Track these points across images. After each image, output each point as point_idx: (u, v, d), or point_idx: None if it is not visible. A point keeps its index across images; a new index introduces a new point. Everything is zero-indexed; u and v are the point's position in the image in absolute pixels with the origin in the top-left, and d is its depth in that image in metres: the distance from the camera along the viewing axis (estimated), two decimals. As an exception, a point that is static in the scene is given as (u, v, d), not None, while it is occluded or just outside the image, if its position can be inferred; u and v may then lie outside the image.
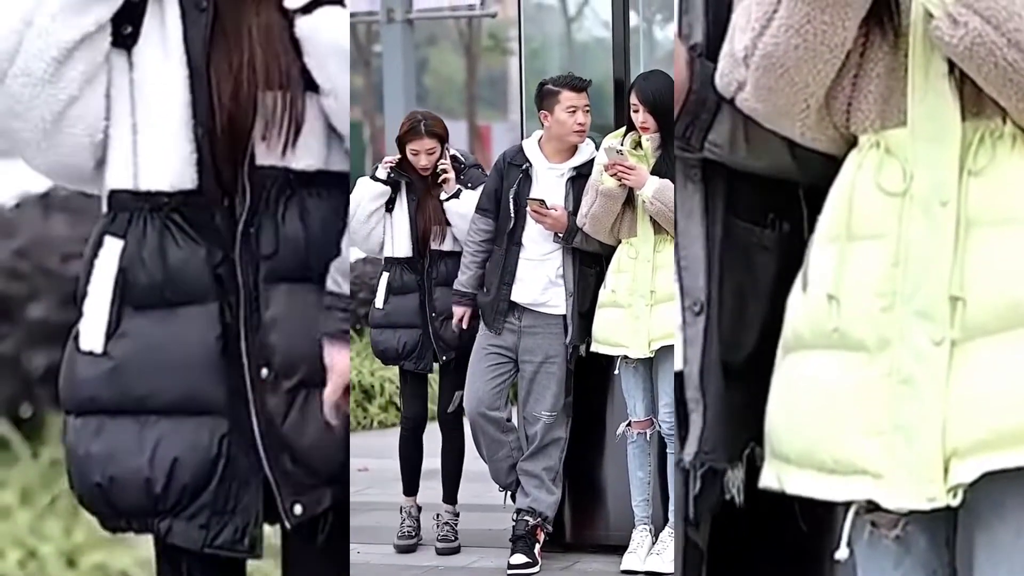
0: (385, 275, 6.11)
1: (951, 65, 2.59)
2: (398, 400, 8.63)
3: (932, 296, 2.56)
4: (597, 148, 5.75)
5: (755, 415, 2.77)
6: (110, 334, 2.96)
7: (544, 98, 5.76)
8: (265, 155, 2.98)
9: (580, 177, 5.75)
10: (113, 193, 3.02)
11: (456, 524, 6.18)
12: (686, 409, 2.88)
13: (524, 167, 5.81)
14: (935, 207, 2.58)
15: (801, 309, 2.72)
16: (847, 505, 2.66)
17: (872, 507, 2.63)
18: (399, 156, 6.05)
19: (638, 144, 5.59)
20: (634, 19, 6.17)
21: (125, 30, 2.94)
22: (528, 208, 5.68)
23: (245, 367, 2.96)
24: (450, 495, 6.23)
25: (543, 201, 5.66)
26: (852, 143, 2.74)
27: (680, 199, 2.91)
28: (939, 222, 2.57)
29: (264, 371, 2.97)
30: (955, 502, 2.52)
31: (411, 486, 6.24)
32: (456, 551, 6.11)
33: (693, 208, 2.88)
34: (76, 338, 3.01)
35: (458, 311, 5.93)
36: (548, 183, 5.78)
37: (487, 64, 24.20)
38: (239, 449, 2.96)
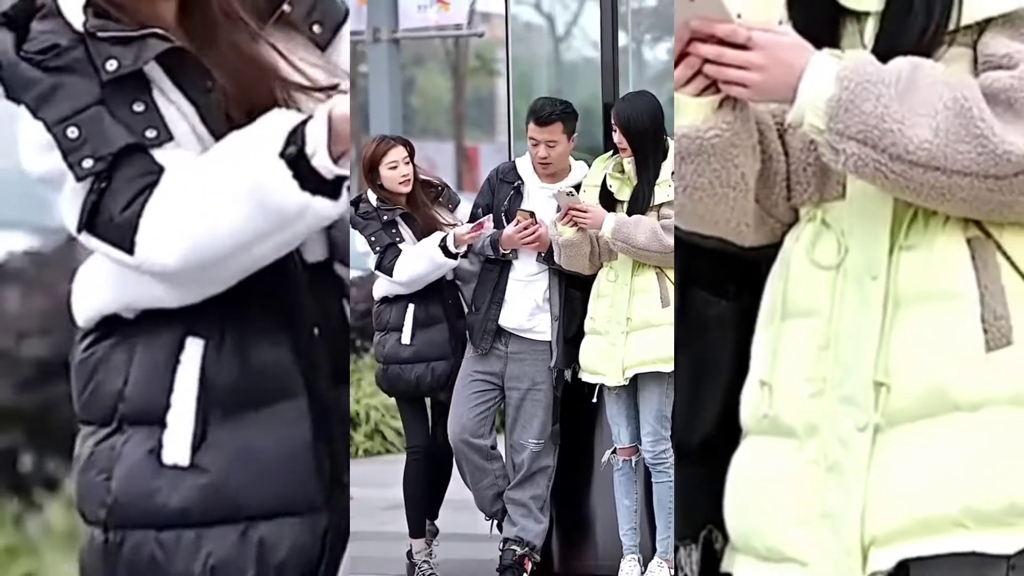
0: (410, 308, 5.97)
1: None
2: (384, 429, 8.56)
3: (859, 381, 2.56)
4: (590, 167, 5.77)
5: (711, 497, 2.76)
6: (196, 445, 2.82)
7: (526, 122, 5.76)
8: None
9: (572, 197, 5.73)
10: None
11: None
12: None
13: (516, 184, 5.81)
14: (866, 281, 2.56)
15: (745, 393, 2.74)
16: None
17: None
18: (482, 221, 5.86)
19: (622, 168, 5.59)
20: (623, 39, 6.24)
21: (150, 134, 2.78)
22: (516, 218, 5.65)
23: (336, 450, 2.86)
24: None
25: (533, 214, 5.64)
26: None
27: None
28: (869, 298, 2.56)
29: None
30: None
31: (420, 527, 6.12)
32: None
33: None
34: (154, 451, 2.83)
35: (517, 226, 5.66)
36: (539, 202, 5.77)
37: (474, 84, 24.17)
38: (338, 541, 2.85)
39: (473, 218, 5.87)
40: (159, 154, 2.74)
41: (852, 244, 2.59)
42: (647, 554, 5.68)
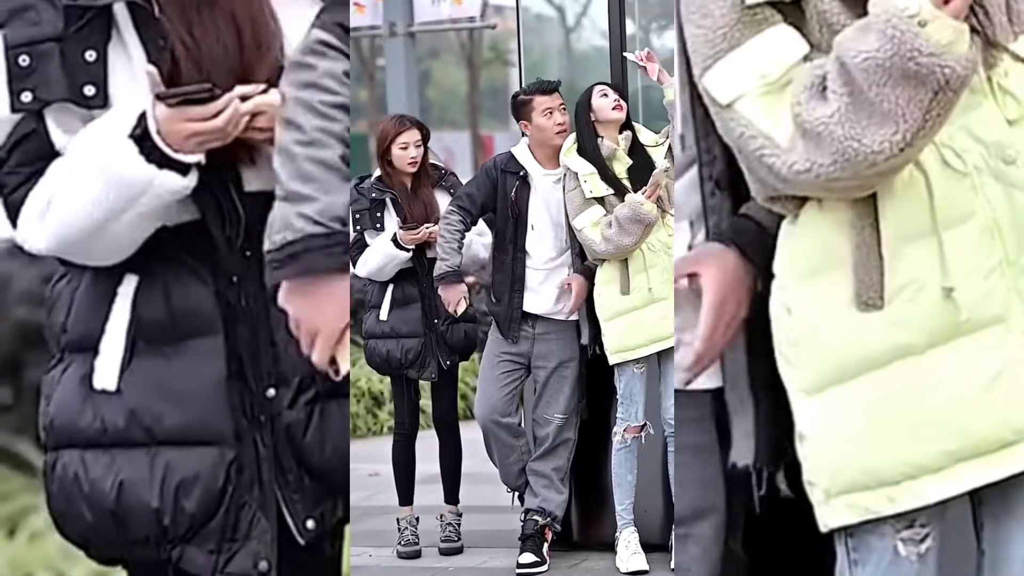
0: (390, 288, 6.13)
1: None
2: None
3: None
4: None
5: (786, 420, 2.80)
6: (123, 371, 2.98)
7: (519, 108, 5.85)
8: (254, 181, 2.96)
9: None
10: None
11: (459, 524, 6.25)
12: (727, 412, 2.92)
13: (521, 173, 5.84)
14: (1002, 167, 2.63)
15: (893, 320, 2.68)
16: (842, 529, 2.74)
17: (908, 523, 2.69)
18: (427, 227, 6.02)
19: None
20: (631, 28, 6.26)
21: (88, 91, 2.87)
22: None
23: (253, 391, 2.98)
24: (451, 495, 6.31)
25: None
26: None
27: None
28: (1014, 179, 2.63)
29: (271, 391, 2.98)
30: None
31: (407, 496, 6.31)
32: (459, 551, 6.18)
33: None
34: (86, 377, 3.00)
35: (451, 295, 5.80)
36: (545, 189, 5.86)
37: (488, 75, 24.22)
38: (252, 476, 2.97)
39: (458, 204, 5.83)
40: (58, 136, 2.86)
41: (968, 144, 2.65)
42: (660, 524, 5.78)
